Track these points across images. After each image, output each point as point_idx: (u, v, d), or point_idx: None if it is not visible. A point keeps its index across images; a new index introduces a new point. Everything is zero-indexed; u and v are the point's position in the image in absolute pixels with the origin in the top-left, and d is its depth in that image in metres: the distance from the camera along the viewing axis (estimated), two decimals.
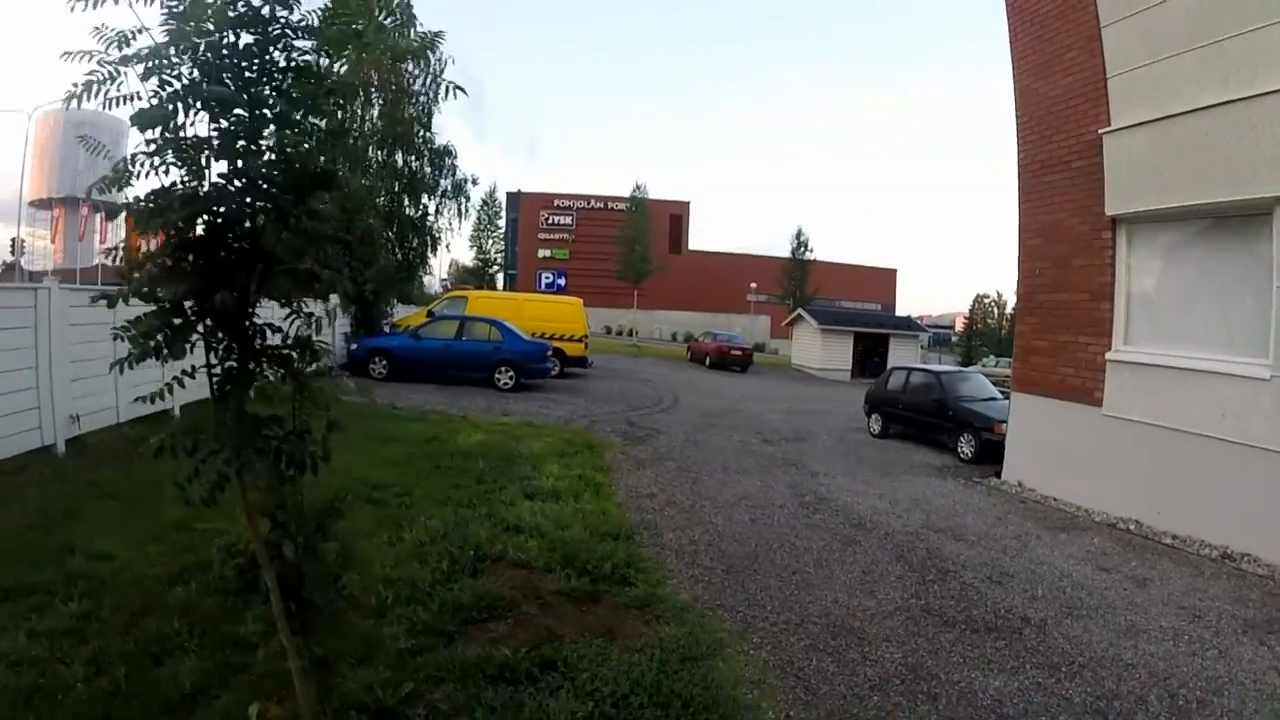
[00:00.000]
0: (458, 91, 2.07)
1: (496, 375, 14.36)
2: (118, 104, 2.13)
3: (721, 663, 3.48)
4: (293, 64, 2.21)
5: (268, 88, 2.20)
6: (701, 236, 65.67)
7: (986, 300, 63.31)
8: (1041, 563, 5.83)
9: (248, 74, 2.16)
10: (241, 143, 2.16)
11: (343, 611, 2.66)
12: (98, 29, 2.06)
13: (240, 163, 2.15)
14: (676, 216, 53.82)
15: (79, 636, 3.18)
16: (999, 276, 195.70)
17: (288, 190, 2.20)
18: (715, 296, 54.76)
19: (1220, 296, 7.06)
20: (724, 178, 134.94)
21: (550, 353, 15.68)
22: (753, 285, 48.00)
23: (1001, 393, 12.10)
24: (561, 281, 55.76)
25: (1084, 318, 8.37)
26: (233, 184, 2.18)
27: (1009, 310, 62.84)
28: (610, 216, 60.56)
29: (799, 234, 47.56)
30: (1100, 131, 7.96)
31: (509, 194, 57.49)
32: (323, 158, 2.35)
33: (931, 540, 6.29)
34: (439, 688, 3.01)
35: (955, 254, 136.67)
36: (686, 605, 4.16)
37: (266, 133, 2.19)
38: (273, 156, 2.21)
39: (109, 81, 2.07)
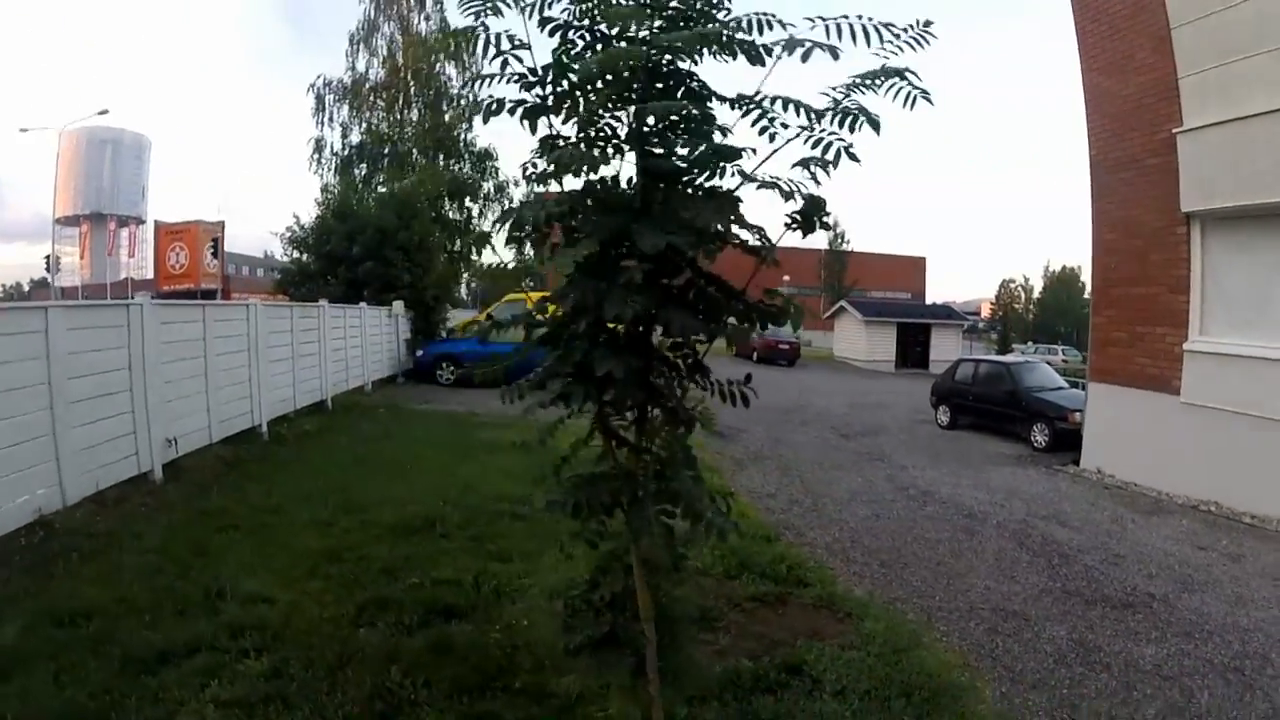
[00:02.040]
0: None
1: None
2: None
3: (925, 652, 3.84)
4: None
5: None
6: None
7: (1013, 285, 62.64)
8: (1144, 544, 6.29)
9: None
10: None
11: (694, 657, 2.74)
12: None
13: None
14: None
15: (281, 702, 2.79)
16: (1023, 261, 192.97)
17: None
18: (752, 290, 54.87)
19: None
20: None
21: None
22: (785, 278, 48.19)
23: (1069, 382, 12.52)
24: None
25: (1161, 310, 8.74)
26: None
27: (1036, 295, 62.32)
28: None
29: (835, 225, 47.37)
30: (1174, 131, 8.33)
31: (537, 194, 58.11)
32: None
33: (1040, 527, 6.74)
34: (705, 705, 3.03)
35: (978, 239, 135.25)
36: (866, 601, 4.55)
37: None
38: None
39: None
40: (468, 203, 22.65)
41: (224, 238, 27.98)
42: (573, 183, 2.16)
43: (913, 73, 1.92)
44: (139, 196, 59.42)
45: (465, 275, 22.38)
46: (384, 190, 19.21)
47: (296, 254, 15.96)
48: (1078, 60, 9.89)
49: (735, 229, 2.18)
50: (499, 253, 2.33)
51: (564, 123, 2.19)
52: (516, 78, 2.15)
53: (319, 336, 10.12)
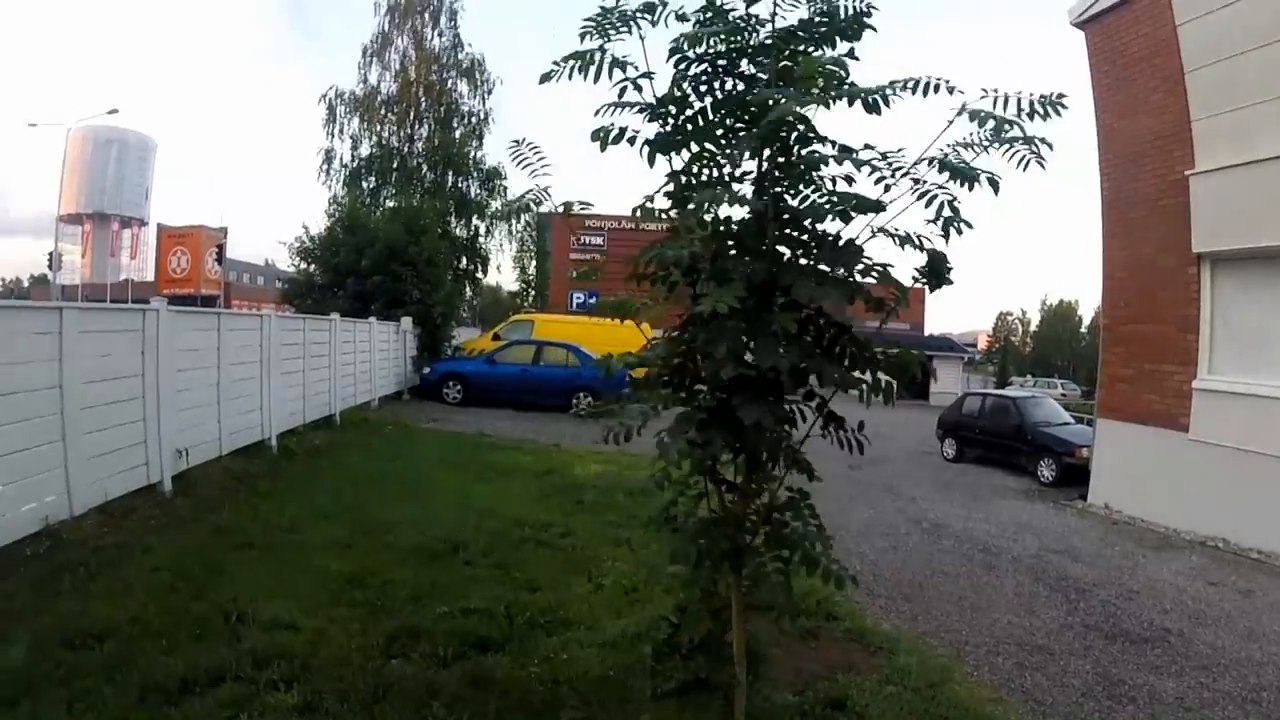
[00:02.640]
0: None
1: (574, 401, 14.45)
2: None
3: (957, 686, 3.84)
4: None
5: None
6: None
7: (1010, 318, 63.18)
8: (1156, 579, 6.36)
9: None
10: None
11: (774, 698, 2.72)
12: None
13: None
14: None
15: None
16: (1020, 293, 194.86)
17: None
18: None
19: None
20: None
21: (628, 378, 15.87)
22: None
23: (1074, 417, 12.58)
24: (593, 301, 56.42)
25: (1170, 348, 8.82)
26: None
27: (1034, 328, 62.77)
28: (641, 237, 60.97)
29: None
30: (1186, 173, 8.47)
31: (539, 215, 58.50)
32: None
33: (1054, 562, 6.76)
34: None
35: (974, 270, 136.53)
36: (895, 635, 4.52)
37: None
38: None
39: None
40: (474, 220, 22.71)
41: (226, 244, 27.94)
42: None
43: (1045, 140, 1.95)
44: (142, 198, 59.48)
45: (470, 294, 22.32)
46: (392, 204, 19.27)
47: (304, 264, 15.89)
48: (1090, 100, 10.08)
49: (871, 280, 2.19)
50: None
51: (688, 159, 2.18)
52: (639, 108, 2.14)
53: (330, 350, 10.04)
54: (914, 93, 1.91)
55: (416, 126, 21.71)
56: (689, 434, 2.18)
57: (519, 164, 2.30)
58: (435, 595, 4.07)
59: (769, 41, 2.05)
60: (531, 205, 2.41)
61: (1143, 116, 9.12)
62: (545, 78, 2.12)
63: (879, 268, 2.13)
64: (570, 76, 2.05)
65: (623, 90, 2.12)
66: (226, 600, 3.76)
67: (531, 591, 4.31)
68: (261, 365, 7.74)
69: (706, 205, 2.02)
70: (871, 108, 1.93)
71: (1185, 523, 8.26)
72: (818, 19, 2.04)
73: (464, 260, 22.08)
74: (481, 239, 23.01)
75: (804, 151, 2.10)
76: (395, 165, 21.49)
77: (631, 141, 2.12)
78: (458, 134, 22.03)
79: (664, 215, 2.23)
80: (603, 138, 2.11)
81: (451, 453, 8.92)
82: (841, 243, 2.17)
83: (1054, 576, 6.24)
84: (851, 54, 2.09)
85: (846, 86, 1.94)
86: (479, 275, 23.68)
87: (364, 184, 21.31)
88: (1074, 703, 3.82)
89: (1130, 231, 9.39)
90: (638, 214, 2.28)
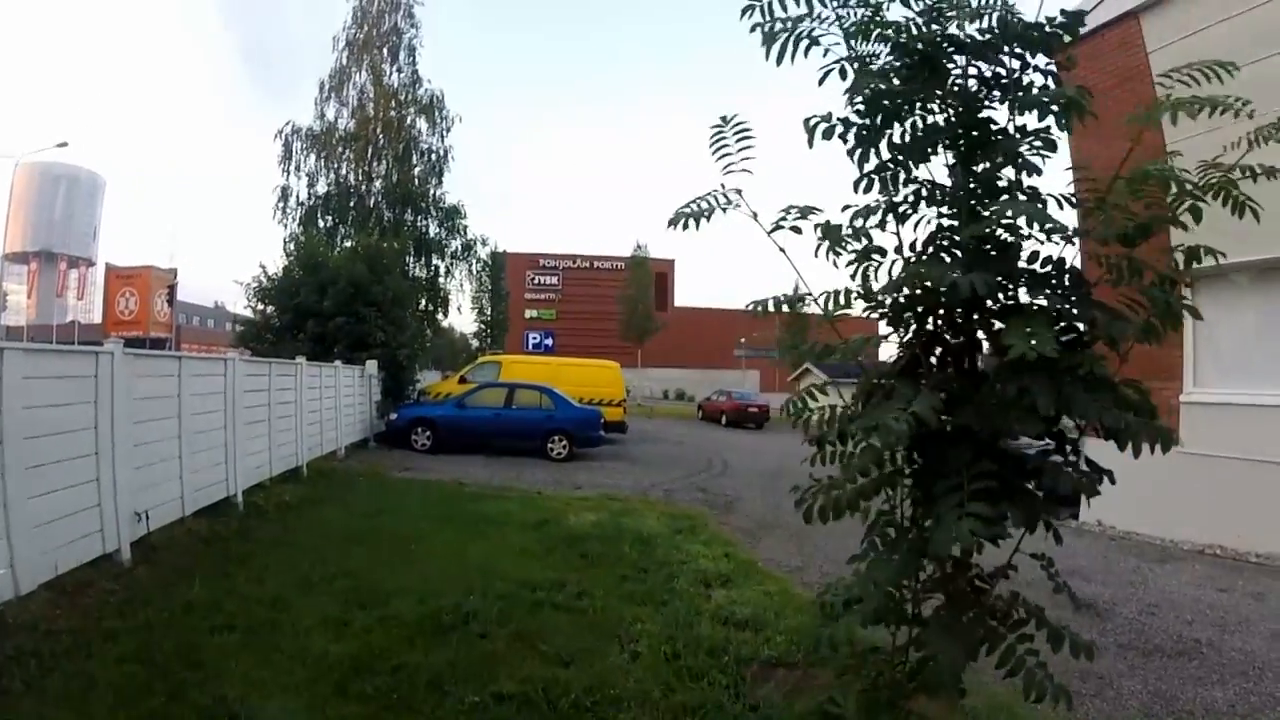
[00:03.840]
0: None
1: (549, 445, 14.00)
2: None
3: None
4: None
5: None
6: (681, 293, 66.72)
7: None
8: (1170, 591, 6.46)
9: None
10: None
11: None
12: None
13: None
14: (662, 274, 55.02)
15: None
16: None
17: None
18: (702, 353, 55.51)
19: None
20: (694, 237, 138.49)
21: (603, 419, 15.55)
22: (742, 340, 48.90)
23: None
24: (549, 342, 55.91)
25: (1156, 364, 8.97)
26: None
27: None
28: (596, 276, 61.60)
29: (796, 288, 48.59)
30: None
31: (493, 254, 58.28)
32: None
33: (1068, 582, 6.68)
34: None
35: None
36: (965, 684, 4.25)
37: None
38: None
39: None
40: (434, 260, 22.14)
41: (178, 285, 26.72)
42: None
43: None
44: (90, 237, 56.79)
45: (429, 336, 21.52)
46: (350, 244, 18.61)
47: (261, 306, 14.99)
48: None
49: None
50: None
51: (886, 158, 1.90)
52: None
53: (296, 396, 9.31)
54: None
55: (375, 164, 21.21)
56: (971, 508, 1.85)
57: (717, 151, 1.89)
58: (457, 679, 3.49)
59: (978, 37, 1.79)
60: (722, 207, 2.01)
61: (1116, 141, 9.42)
62: (747, 7, 1.77)
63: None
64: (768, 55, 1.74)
65: (825, 76, 1.85)
66: (212, 700, 3.17)
67: (564, 666, 3.81)
68: (226, 414, 7.03)
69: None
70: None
71: (1181, 534, 8.48)
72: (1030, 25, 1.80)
73: (424, 301, 21.39)
74: (441, 278, 22.39)
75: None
76: (353, 203, 20.88)
77: (844, 138, 1.83)
78: (417, 171, 21.63)
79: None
80: (811, 129, 1.81)
81: (434, 505, 8.28)
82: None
83: (1066, 599, 6.20)
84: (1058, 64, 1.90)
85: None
86: (439, 316, 22.96)
87: (321, 222, 20.60)
88: None
89: (1109, 253, 9.63)
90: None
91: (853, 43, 1.92)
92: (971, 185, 1.91)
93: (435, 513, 7.75)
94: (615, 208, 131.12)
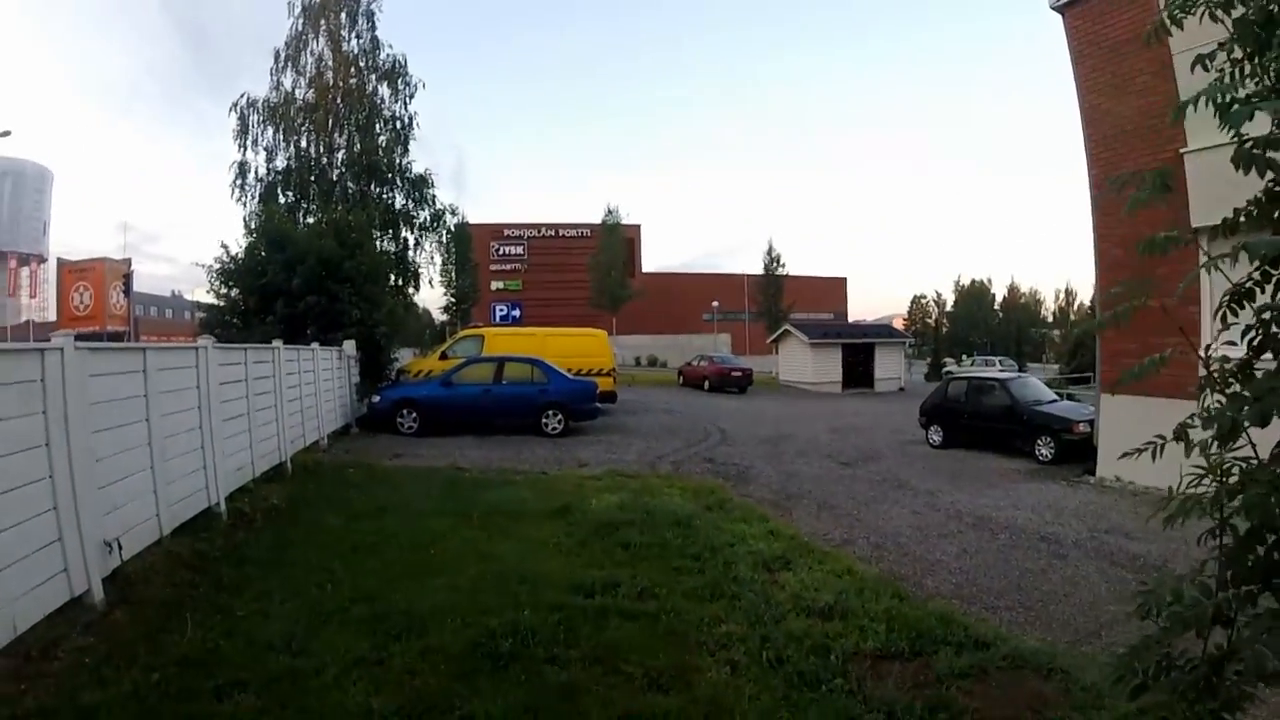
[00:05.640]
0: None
1: (544, 420, 13.33)
2: None
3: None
4: None
5: None
6: (648, 259, 65.94)
7: (925, 300, 66.19)
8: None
9: None
10: None
11: None
12: None
13: None
14: (629, 240, 53.92)
15: None
16: (931, 276, 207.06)
17: None
18: (672, 318, 55.07)
19: None
20: (657, 194, 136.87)
21: (597, 390, 14.88)
22: (715, 304, 48.55)
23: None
24: (516, 313, 54.73)
25: (1173, 320, 8.83)
26: None
27: (949, 308, 66.04)
28: (562, 244, 60.23)
29: (770, 250, 48.45)
30: (1180, 151, 8.46)
31: (459, 225, 56.47)
32: None
33: (1111, 543, 6.86)
34: None
35: (886, 256, 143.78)
36: (1053, 652, 4.02)
37: None
38: None
39: None
40: (403, 232, 21.02)
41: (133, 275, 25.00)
42: None
43: None
44: (40, 232, 52.92)
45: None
46: (311, 221, 17.42)
47: (225, 289, 13.82)
48: (1069, 82, 10.04)
49: None
50: None
51: None
52: None
53: (275, 384, 8.46)
54: None
55: (336, 134, 19.85)
56: None
57: None
58: None
59: None
60: None
61: (1130, 97, 9.11)
62: None
63: None
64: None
65: None
66: None
67: (662, 691, 3.25)
68: (201, 411, 6.22)
69: None
70: None
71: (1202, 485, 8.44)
72: None
73: (394, 276, 20.30)
74: (411, 251, 21.28)
75: None
76: (315, 177, 19.54)
77: None
78: (381, 140, 20.32)
79: None
80: None
81: (438, 497, 7.61)
82: None
83: (1126, 558, 6.29)
84: None
85: None
86: (410, 290, 21.90)
87: (282, 198, 19.24)
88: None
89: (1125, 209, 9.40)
90: None
91: None
92: None
93: (442, 506, 7.10)
94: (579, 175, 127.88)
